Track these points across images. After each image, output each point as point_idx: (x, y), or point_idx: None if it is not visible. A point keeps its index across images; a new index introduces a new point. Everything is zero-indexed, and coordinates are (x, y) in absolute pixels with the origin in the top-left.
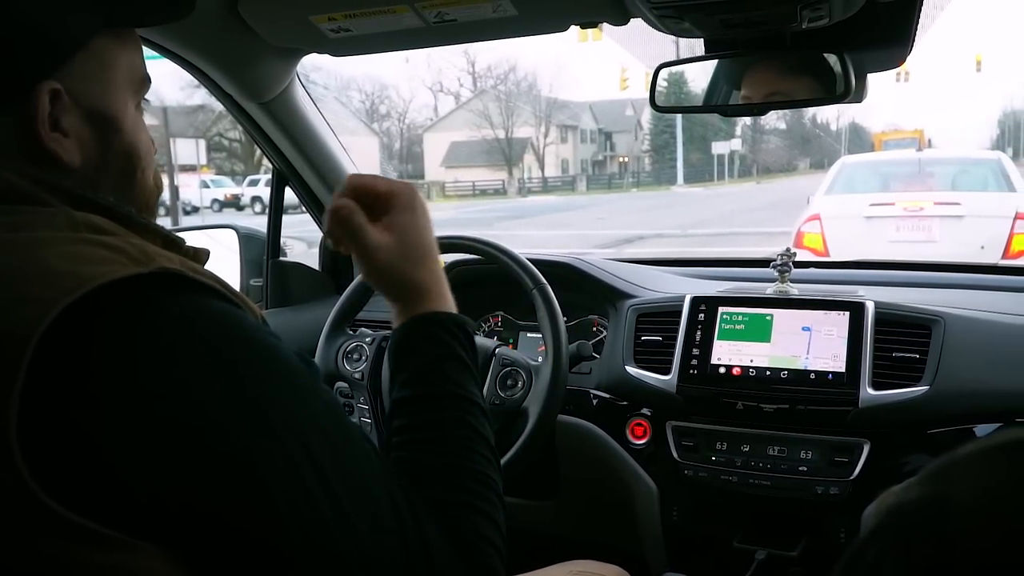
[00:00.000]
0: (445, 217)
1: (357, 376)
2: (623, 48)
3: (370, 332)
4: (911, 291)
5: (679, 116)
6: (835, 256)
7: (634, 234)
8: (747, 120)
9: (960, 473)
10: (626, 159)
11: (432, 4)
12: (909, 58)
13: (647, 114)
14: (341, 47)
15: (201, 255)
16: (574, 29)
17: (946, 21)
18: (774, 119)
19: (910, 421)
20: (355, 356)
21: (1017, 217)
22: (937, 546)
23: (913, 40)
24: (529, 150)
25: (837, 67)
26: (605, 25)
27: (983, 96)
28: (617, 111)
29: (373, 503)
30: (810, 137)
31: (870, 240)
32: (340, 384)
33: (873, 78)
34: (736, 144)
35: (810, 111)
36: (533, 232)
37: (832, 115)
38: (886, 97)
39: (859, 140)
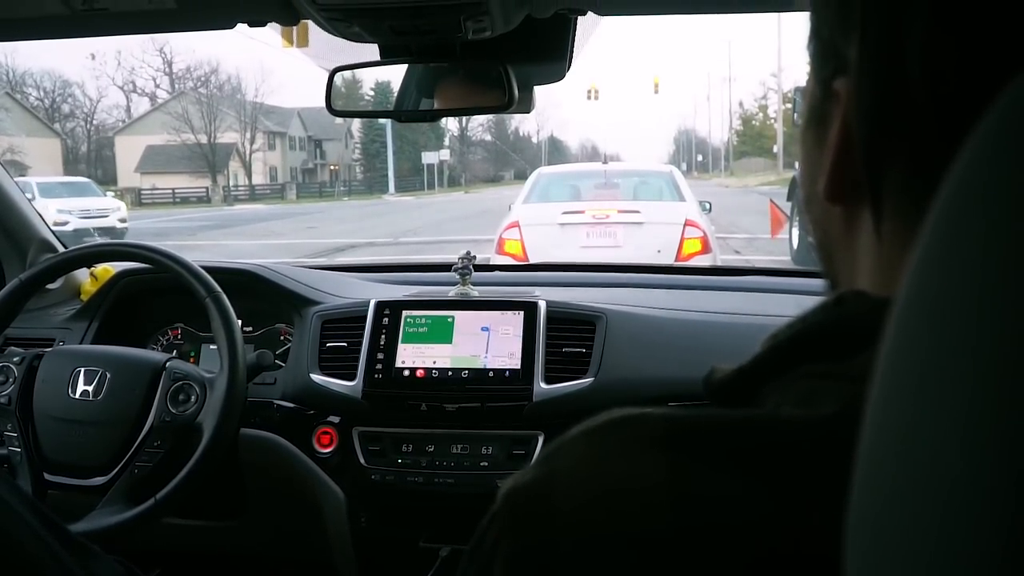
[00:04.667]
0: (142, 227)
1: (3, 400)
2: (316, 65)
3: (20, 351)
4: (584, 290)
5: (389, 125)
6: (533, 260)
7: (346, 243)
8: (455, 131)
9: (566, 452)
10: (337, 167)
11: None
12: (569, 73)
13: (358, 122)
14: None
15: None
16: (277, 35)
17: (628, 45)
18: (480, 131)
19: (578, 411)
20: (0, 378)
21: (686, 224)
22: (542, 523)
23: (571, 56)
24: (235, 156)
25: (502, 78)
26: (312, 31)
27: (661, 115)
28: (327, 118)
29: None
30: (514, 149)
31: (564, 246)
32: None
33: (566, 95)
34: (445, 154)
35: (513, 125)
36: (240, 242)
37: (533, 129)
38: (579, 113)
39: (558, 152)
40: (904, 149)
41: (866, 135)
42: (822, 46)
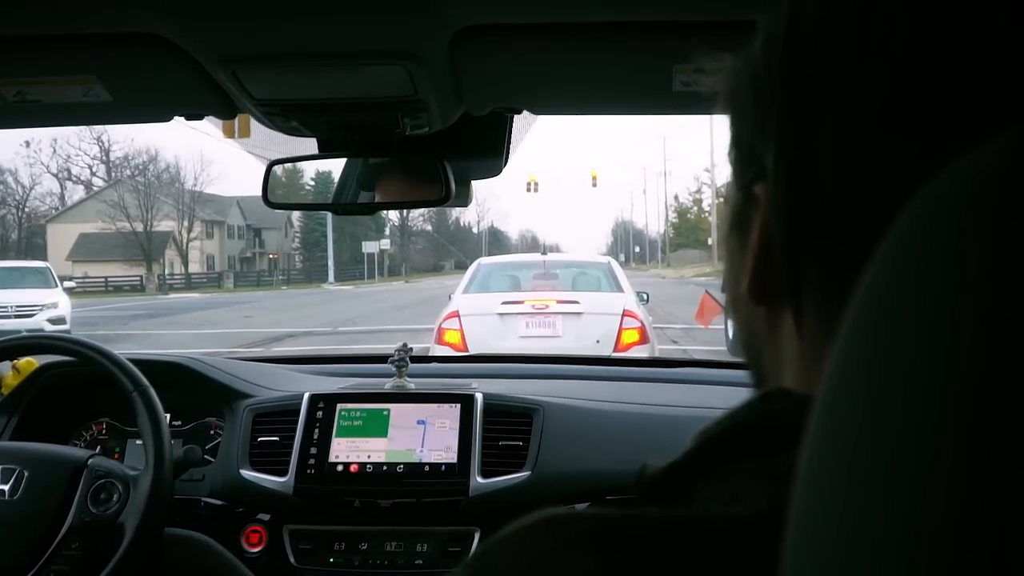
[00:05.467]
0: (71, 316)
1: None
2: (256, 157)
3: None
4: (522, 382)
5: (329, 215)
6: (473, 350)
7: (284, 332)
8: (396, 221)
9: (494, 556)
10: (276, 256)
11: (11, 82)
12: (506, 168)
13: (298, 212)
14: None
15: None
16: (218, 127)
17: (567, 140)
18: (421, 222)
19: (515, 506)
20: None
21: (624, 314)
22: None
23: (508, 152)
24: (171, 245)
25: (440, 173)
26: (254, 122)
27: (600, 207)
28: (266, 207)
29: None
30: (454, 240)
31: (504, 335)
32: None
33: (507, 187)
34: (386, 244)
35: (453, 216)
36: (174, 332)
37: (474, 219)
38: (519, 205)
39: (498, 242)
40: (820, 251)
41: (784, 238)
42: (742, 153)
